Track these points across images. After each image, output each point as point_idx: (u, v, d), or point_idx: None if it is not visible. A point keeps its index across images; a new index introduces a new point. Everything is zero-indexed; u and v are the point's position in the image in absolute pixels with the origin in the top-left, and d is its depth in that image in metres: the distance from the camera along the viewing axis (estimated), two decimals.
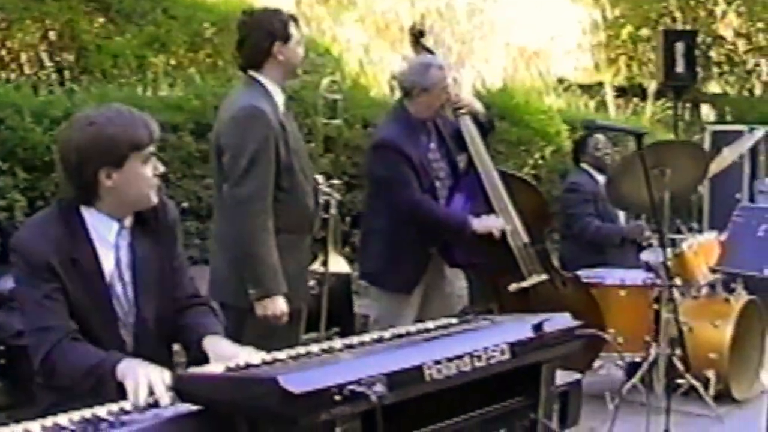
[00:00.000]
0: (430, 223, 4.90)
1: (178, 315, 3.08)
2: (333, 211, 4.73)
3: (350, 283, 6.30)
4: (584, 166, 6.75)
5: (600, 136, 6.76)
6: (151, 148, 2.91)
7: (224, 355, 2.80)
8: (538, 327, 2.60)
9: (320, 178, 4.54)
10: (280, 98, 4.16)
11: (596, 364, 5.85)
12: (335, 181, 4.79)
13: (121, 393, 2.56)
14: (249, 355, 2.70)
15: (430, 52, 5.23)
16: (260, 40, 4.08)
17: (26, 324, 2.85)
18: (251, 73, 4.14)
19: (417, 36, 5.25)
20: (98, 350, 2.77)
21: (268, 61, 4.10)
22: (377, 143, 4.91)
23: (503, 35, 12.63)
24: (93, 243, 2.89)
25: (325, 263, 4.82)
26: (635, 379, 5.73)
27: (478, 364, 2.36)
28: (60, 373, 2.76)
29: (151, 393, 2.46)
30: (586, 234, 6.47)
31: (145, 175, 2.90)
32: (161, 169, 2.96)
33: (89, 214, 2.90)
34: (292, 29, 4.13)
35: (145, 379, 2.50)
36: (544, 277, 5.17)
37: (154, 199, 2.97)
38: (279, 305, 3.98)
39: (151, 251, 3.00)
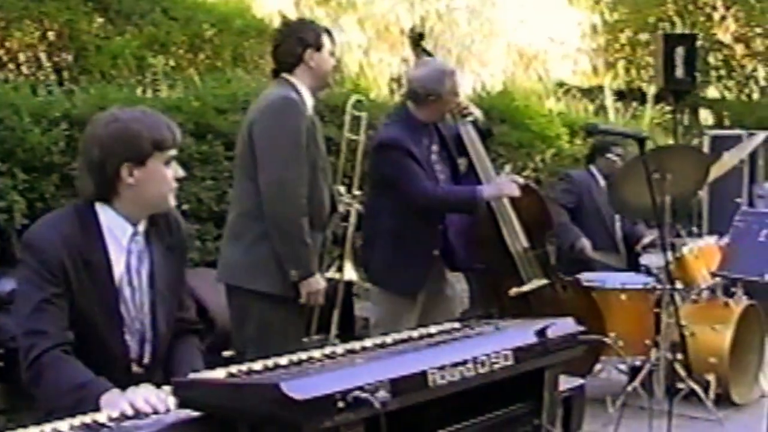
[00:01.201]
0: (444, 206, 4.91)
1: (175, 336, 3.07)
2: (352, 220, 4.86)
3: (351, 285, 6.28)
4: (593, 168, 6.80)
5: (619, 148, 6.79)
6: (173, 152, 2.93)
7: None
8: (541, 332, 2.59)
9: (342, 189, 4.75)
10: (309, 102, 4.34)
11: (597, 367, 5.84)
12: (357, 192, 4.93)
13: None
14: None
15: (429, 54, 5.22)
16: (293, 45, 4.33)
17: (20, 323, 2.81)
18: (284, 75, 4.36)
19: (416, 39, 5.24)
20: (88, 371, 2.73)
21: (300, 67, 4.33)
22: (381, 143, 4.90)
23: (503, 38, 12.61)
24: (106, 244, 2.88)
25: (340, 269, 4.88)
26: (636, 383, 5.73)
27: (481, 370, 2.34)
28: (45, 381, 2.72)
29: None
30: None
31: (166, 176, 2.91)
32: (181, 173, 2.98)
33: (105, 215, 2.89)
34: (325, 40, 4.38)
35: (138, 398, 2.44)
36: (544, 281, 5.16)
37: (172, 203, 2.99)
38: (319, 283, 4.27)
39: (164, 261, 3.00)
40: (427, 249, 4.92)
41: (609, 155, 6.75)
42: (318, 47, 4.34)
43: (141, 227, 2.95)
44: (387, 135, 4.92)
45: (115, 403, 2.52)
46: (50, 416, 2.46)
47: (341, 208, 4.66)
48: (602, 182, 6.66)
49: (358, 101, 5.24)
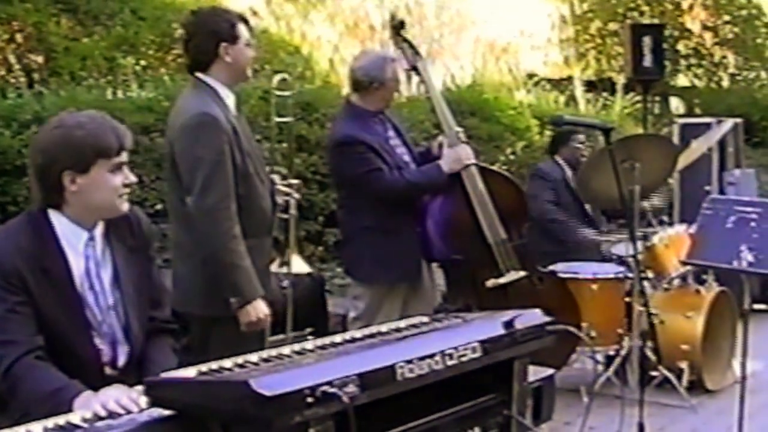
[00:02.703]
0: (417, 191, 4.93)
1: (148, 336, 3.05)
2: (293, 211, 4.54)
3: (323, 282, 6.28)
4: (558, 158, 6.83)
5: (581, 135, 6.83)
6: (122, 158, 2.88)
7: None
8: (509, 324, 2.61)
9: (277, 178, 4.38)
10: (230, 100, 4.01)
11: (571, 358, 5.87)
12: (293, 181, 4.56)
13: None
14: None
15: (410, 43, 5.17)
16: (205, 41, 3.94)
17: None
18: (199, 75, 3.98)
19: (397, 27, 5.18)
20: (61, 375, 2.71)
21: (215, 63, 3.95)
22: (338, 142, 4.91)
23: (472, 31, 12.64)
24: (63, 251, 2.85)
25: (286, 264, 4.65)
26: (609, 373, 5.77)
27: (450, 362, 2.37)
28: (20, 390, 2.71)
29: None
30: (544, 219, 6.52)
31: (112, 183, 2.86)
32: (132, 179, 2.93)
33: (59, 221, 2.87)
34: (241, 30, 3.98)
35: (110, 400, 2.46)
36: (521, 273, 5.16)
37: (123, 208, 2.95)
38: (261, 308, 3.89)
39: (128, 262, 2.98)
40: (410, 236, 4.95)
41: (572, 143, 6.80)
42: (233, 39, 3.93)
43: (98, 231, 2.93)
44: (342, 133, 4.92)
45: (87, 404, 2.52)
46: (25, 418, 2.46)
47: (279, 200, 4.30)
48: (569, 170, 6.72)
49: (283, 80, 4.94)
